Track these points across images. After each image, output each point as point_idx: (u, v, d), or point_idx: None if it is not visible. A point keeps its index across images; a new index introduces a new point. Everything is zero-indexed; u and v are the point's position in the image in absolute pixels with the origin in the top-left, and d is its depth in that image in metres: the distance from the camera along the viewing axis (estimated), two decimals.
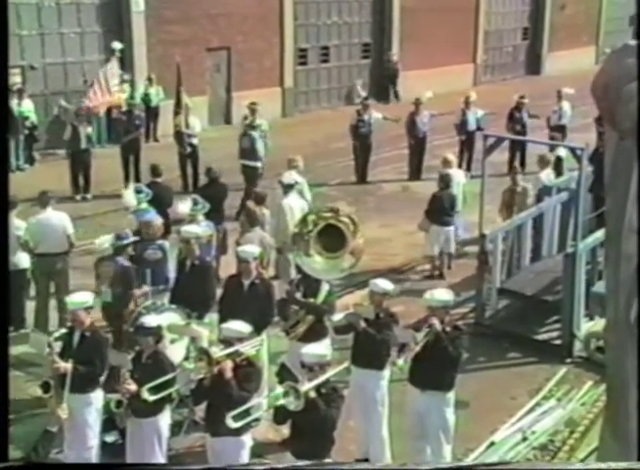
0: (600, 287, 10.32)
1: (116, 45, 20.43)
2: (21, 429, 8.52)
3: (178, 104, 17.88)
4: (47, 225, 11.20)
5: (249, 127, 16.83)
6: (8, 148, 16.85)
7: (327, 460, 6.91)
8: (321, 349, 7.54)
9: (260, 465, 5.89)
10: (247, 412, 7.20)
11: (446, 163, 14.65)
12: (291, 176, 12.95)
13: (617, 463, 1.54)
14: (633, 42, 1.73)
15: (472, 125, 19.22)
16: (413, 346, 7.76)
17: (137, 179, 16.86)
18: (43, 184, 12.13)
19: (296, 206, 12.23)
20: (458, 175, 14.62)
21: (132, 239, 10.30)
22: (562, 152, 14.75)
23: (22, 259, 11.19)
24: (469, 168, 18.29)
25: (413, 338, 7.84)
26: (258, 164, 16.34)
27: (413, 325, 8.41)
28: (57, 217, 11.35)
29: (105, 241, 10.47)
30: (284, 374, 7.39)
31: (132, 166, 17.89)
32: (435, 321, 7.84)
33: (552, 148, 15.79)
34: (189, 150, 17.56)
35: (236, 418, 6.95)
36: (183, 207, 12.29)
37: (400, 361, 7.83)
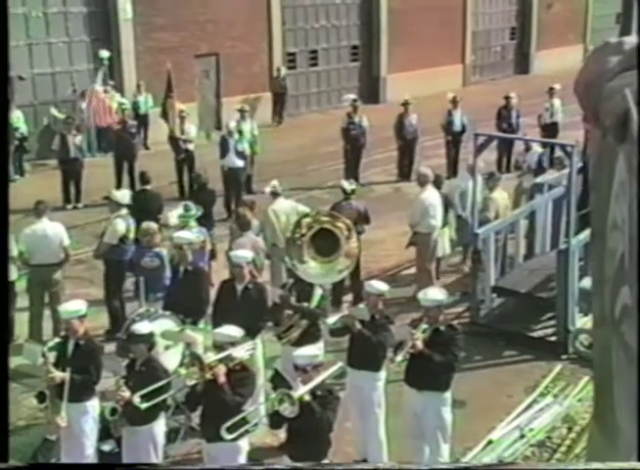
0: (587, 283, 10.32)
1: (104, 53, 20.38)
2: (17, 440, 8.48)
3: (164, 111, 17.94)
4: (43, 236, 11.12)
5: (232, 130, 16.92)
6: (8, 156, 16.80)
7: (324, 462, 6.91)
8: (313, 349, 7.53)
9: (257, 466, 5.88)
10: (243, 420, 7.19)
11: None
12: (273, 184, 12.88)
13: (617, 463, 1.55)
14: (614, 39, 1.75)
15: (458, 126, 19.24)
16: (410, 342, 7.76)
17: (132, 186, 16.78)
18: (34, 195, 12.09)
19: (281, 210, 12.21)
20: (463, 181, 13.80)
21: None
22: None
23: (10, 271, 11.12)
24: (455, 168, 18.30)
25: (410, 334, 7.85)
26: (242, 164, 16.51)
27: (409, 323, 8.41)
28: (52, 228, 11.27)
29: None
30: (277, 380, 7.39)
31: (126, 174, 17.84)
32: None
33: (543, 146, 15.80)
34: (183, 156, 17.53)
35: (230, 429, 6.94)
36: (172, 216, 12.24)
37: (399, 358, 7.83)
